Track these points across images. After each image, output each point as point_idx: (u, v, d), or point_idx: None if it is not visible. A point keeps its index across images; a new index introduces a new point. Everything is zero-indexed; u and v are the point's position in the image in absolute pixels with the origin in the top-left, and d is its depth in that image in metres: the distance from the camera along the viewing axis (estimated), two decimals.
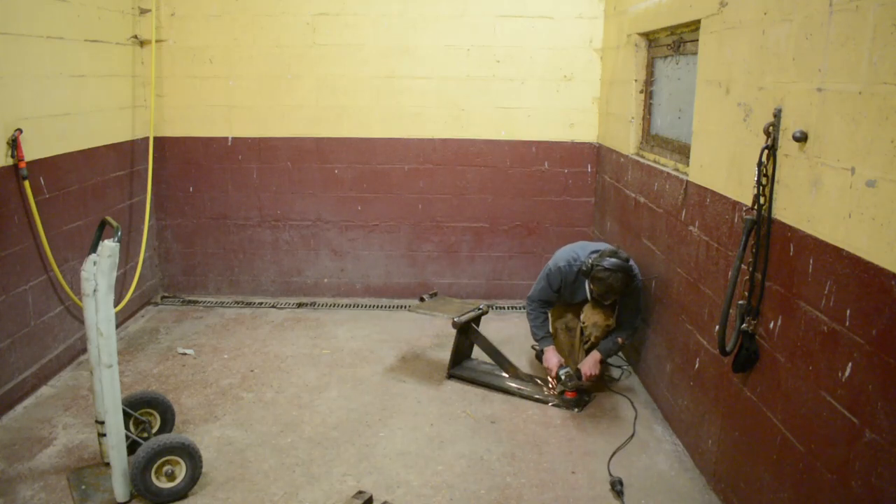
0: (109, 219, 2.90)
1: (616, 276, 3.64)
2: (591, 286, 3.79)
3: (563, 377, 3.82)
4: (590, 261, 3.74)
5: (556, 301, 4.08)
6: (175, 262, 5.50)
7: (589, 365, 3.86)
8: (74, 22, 4.23)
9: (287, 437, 3.47)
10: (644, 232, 4.05)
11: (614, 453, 3.34)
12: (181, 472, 2.90)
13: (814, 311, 2.24)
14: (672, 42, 3.82)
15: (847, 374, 2.06)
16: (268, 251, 5.48)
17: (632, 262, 3.79)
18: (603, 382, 4.05)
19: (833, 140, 2.13)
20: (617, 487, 3.03)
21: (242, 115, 5.23)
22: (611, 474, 3.15)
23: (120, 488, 2.83)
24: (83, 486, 2.97)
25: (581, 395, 3.84)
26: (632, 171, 4.32)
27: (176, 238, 5.45)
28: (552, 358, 3.95)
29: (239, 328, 4.93)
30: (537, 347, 4.14)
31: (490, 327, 4.99)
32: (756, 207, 2.52)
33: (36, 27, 3.85)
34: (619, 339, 3.92)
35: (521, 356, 4.48)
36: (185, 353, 4.47)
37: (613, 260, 3.67)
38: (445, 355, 4.45)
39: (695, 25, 3.36)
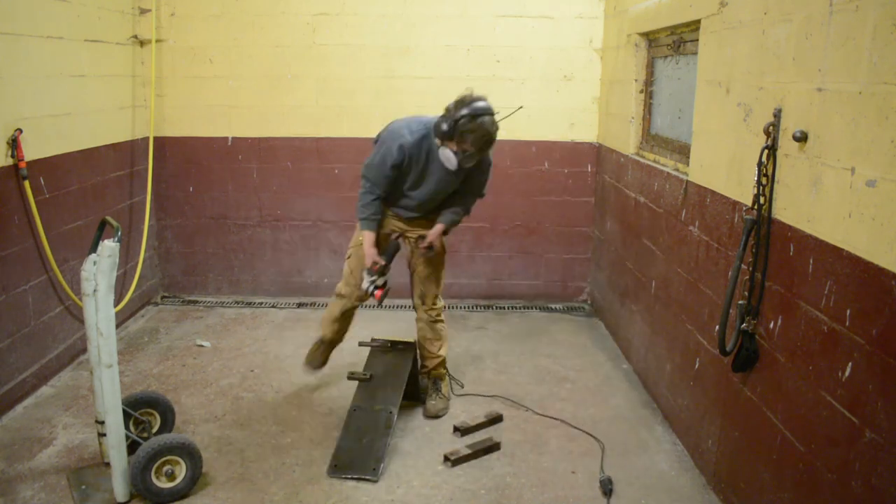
0: (109, 219, 2.90)
1: (492, 119, 3.14)
2: (460, 146, 3.18)
3: (369, 273, 3.47)
4: (448, 116, 3.15)
5: (387, 189, 3.47)
6: (175, 262, 5.50)
7: (434, 234, 3.52)
8: (74, 22, 4.23)
9: (287, 437, 3.47)
10: (644, 232, 4.05)
11: (599, 462, 3.34)
12: (181, 471, 2.90)
13: (814, 311, 2.24)
14: (672, 42, 3.82)
15: (847, 374, 2.06)
16: (268, 251, 5.48)
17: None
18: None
19: (833, 140, 2.13)
20: (606, 487, 3.03)
21: (242, 115, 5.23)
22: (602, 472, 3.16)
23: (120, 488, 2.83)
24: (83, 486, 2.97)
25: (384, 298, 3.48)
26: (632, 171, 4.33)
27: (176, 238, 5.45)
28: (371, 248, 3.47)
29: (239, 328, 4.93)
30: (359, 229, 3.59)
31: (490, 328, 5.00)
32: (756, 207, 2.52)
33: (36, 27, 3.85)
34: (458, 215, 3.54)
35: (523, 361, 4.48)
36: (201, 346, 4.53)
37: (481, 103, 3.13)
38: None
39: (695, 25, 3.36)
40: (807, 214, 2.28)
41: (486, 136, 3.16)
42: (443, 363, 3.82)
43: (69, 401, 3.81)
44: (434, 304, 3.74)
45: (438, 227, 3.56)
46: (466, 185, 3.53)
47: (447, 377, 3.90)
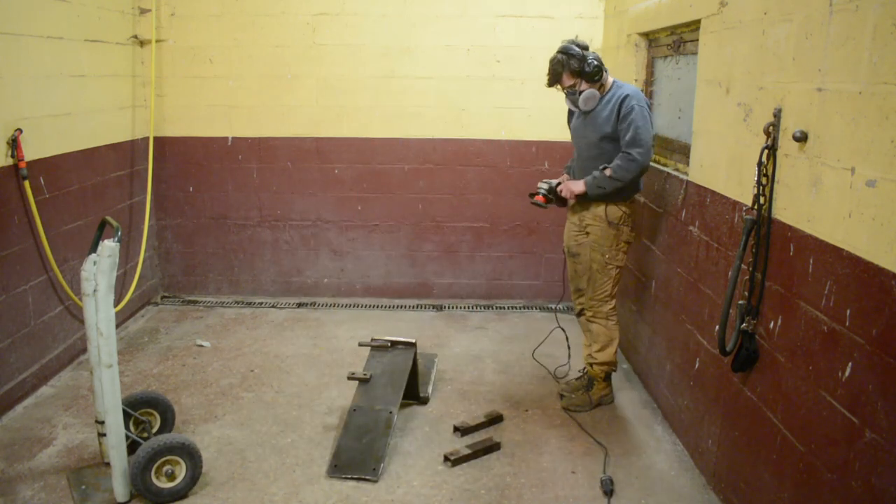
0: (109, 219, 2.90)
1: (554, 56, 3.47)
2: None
3: (546, 181, 3.77)
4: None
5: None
6: (175, 262, 5.50)
7: (568, 187, 3.61)
8: (74, 22, 4.23)
9: (287, 437, 3.47)
10: (644, 232, 4.05)
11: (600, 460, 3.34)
12: (181, 471, 2.90)
13: (814, 311, 2.24)
14: (672, 42, 3.82)
15: (847, 374, 2.06)
16: (268, 251, 5.48)
17: (589, 53, 3.44)
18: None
19: (833, 140, 2.13)
20: (607, 487, 3.03)
21: (242, 115, 5.23)
22: (604, 472, 3.16)
23: (120, 488, 2.83)
24: (83, 486, 2.97)
25: (547, 204, 3.74)
26: None
27: (176, 238, 5.45)
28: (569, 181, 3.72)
29: (239, 328, 4.93)
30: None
31: (490, 328, 5.00)
32: (756, 207, 2.52)
33: (36, 27, 3.85)
34: (607, 171, 3.44)
35: (523, 361, 4.48)
36: (201, 346, 4.54)
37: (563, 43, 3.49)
38: (445, 354, 4.46)
39: (695, 25, 3.36)
40: (807, 214, 2.28)
41: (549, 73, 3.51)
42: (601, 365, 3.73)
43: (69, 401, 3.81)
44: (590, 304, 3.70)
45: (575, 182, 3.60)
46: (608, 136, 3.52)
47: (602, 383, 3.79)
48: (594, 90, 3.48)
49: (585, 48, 3.47)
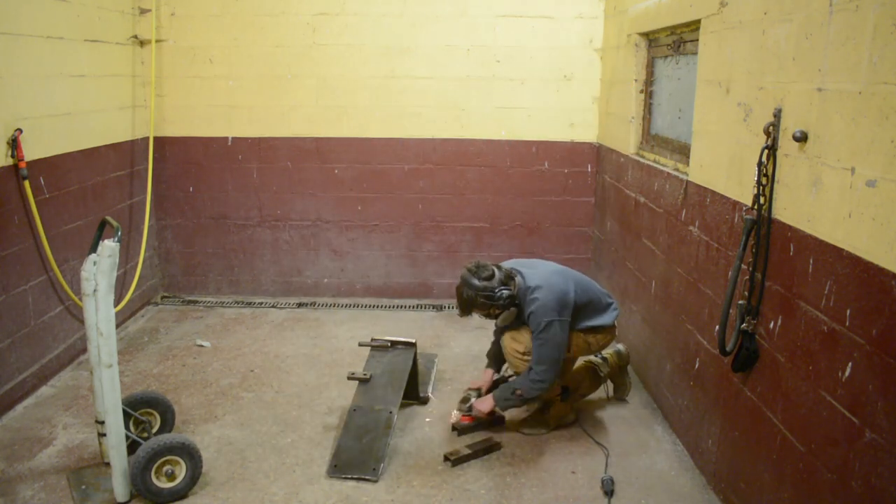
0: (109, 219, 2.90)
1: (458, 286, 3.34)
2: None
3: (464, 396, 3.62)
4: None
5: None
6: (175, 262, 5.50)
7: (479, 402, 3.50)
8: (74, 22, 4.23)
9: (287, 437, 3.47)
10: (644, 232, 4.05)
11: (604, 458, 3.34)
12: (181, 471, 2.90)
13: (814, 311, 2.24)
14: (672, 42, 3.82)
15: (847, 374, 2.06)
16: (268, 251, 5.48)
17: (494, 285, 3.27)
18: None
19: (833, 140, 2.13)
20: (607, 486, 3.03)
21: (242, 115, 5.23)
22: (604, 472, 3.16)
23: (120, 488, 2.83)
24: (83, 486, 2.97)
25: (476, 424, 3.53)
26: (632, 171, 4.33)
27: (176, 238, 5.45)
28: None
29: (239, 328, 4.93)
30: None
31: (490, 328, 4.99)
32: (756, 207, 2.52)
33: (36, 27, 3.85)
34: (516, 391, 3.34)
35: None
36: (201, 346, 4.54)
37: (464, 271, 3.35)
38: (445, 354, 4.45)
39: (695, 25, 3.36)
40: (807, 214, 2.28)
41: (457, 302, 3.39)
42: (558, 395, 3.57)
43: (69, 401, 3.81)
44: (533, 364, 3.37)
45: (482, 400, 3.51)
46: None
47: (558, 406, 3.59)
48: (510, 310, 3.37)
49: (490, 277, 3.28)
